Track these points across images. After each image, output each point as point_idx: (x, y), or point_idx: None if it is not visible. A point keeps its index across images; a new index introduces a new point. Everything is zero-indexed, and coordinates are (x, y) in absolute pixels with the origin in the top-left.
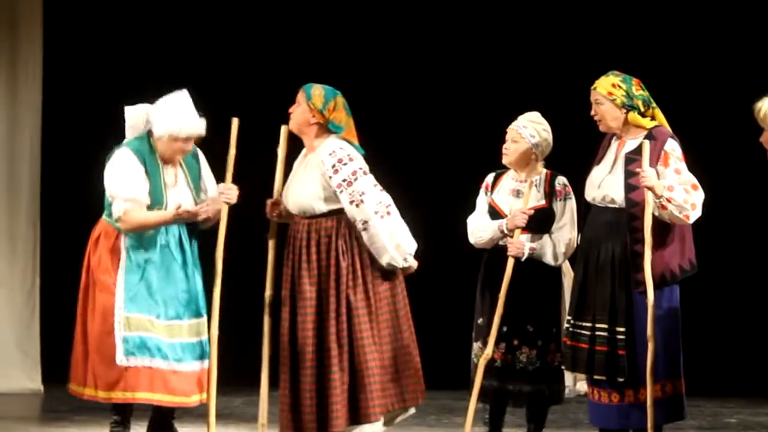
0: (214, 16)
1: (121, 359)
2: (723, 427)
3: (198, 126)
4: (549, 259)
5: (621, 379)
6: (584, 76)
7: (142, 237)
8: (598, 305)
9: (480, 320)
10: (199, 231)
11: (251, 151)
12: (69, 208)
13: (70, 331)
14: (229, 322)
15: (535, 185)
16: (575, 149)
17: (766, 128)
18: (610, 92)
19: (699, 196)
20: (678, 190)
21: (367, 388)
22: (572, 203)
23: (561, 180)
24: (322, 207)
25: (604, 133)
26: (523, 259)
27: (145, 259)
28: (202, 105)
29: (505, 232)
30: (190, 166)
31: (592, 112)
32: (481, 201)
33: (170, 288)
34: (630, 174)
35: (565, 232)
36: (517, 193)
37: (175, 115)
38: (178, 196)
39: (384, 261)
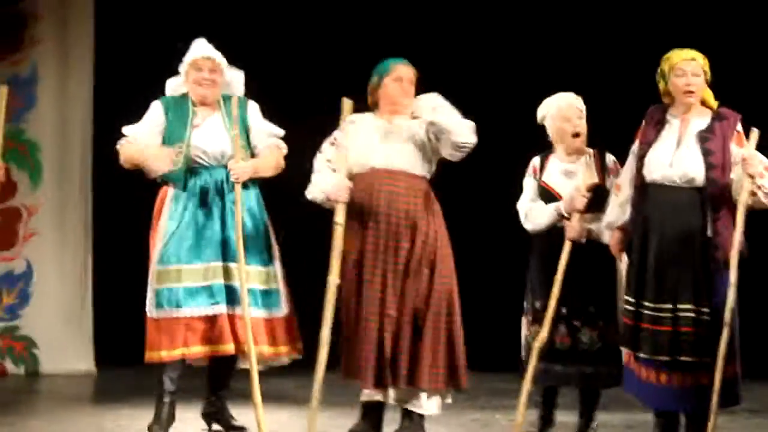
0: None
1: (150, 311)
2: None
3: (206, 49)
4: (607, 238)
5: (707, 360)
6: (592, 61)
7: (185, 184)
8: (681, 285)
9: (537, 303)
10: (259, 181)
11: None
12: (120, 189)
13: (124, 312)
14: None
15: (587, 164)
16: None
17: None
18: (704, 66)
19: None
20: (766, 177)
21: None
22: None
23: (611, 157)
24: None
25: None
26: (583, 241)
27: (184, 206)
28: None
29: (564, 215)
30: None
31: (689, 84)
32: (530, 185)
33: (206, 231)
34: (708, 152)
35: None
36: (568, 174)
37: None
38: (205, 138)
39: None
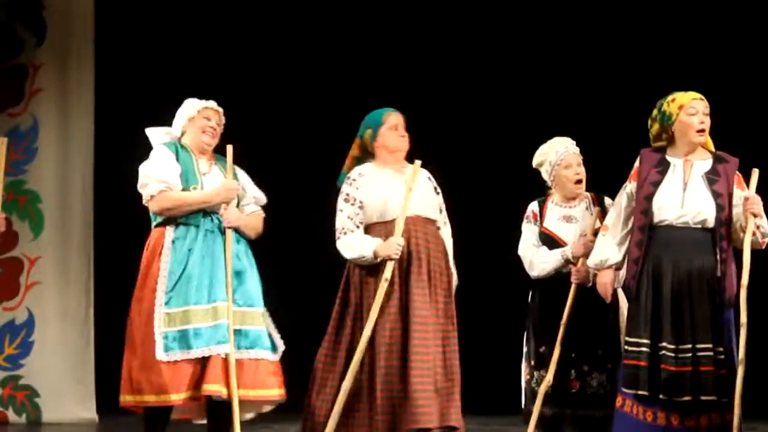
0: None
1: (160, 355)
2: None
3: (205, 101)
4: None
5: (725, 400)
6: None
7: (188, 226)
8: (699, 325)
9: (541, 348)
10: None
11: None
12: (121, 238)
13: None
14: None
15: (587, 208)
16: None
17: None
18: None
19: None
20: (764, 218)
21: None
22: None
23: (609, 200)
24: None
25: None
26: (589, 284)
27: (189, 249)
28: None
29: (571, 260)
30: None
31: (703, 122)
32: (530, 231)
33: (215, 270)
34: (717, 194)
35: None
36: (567, 218)
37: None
38: (214, 183)
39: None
